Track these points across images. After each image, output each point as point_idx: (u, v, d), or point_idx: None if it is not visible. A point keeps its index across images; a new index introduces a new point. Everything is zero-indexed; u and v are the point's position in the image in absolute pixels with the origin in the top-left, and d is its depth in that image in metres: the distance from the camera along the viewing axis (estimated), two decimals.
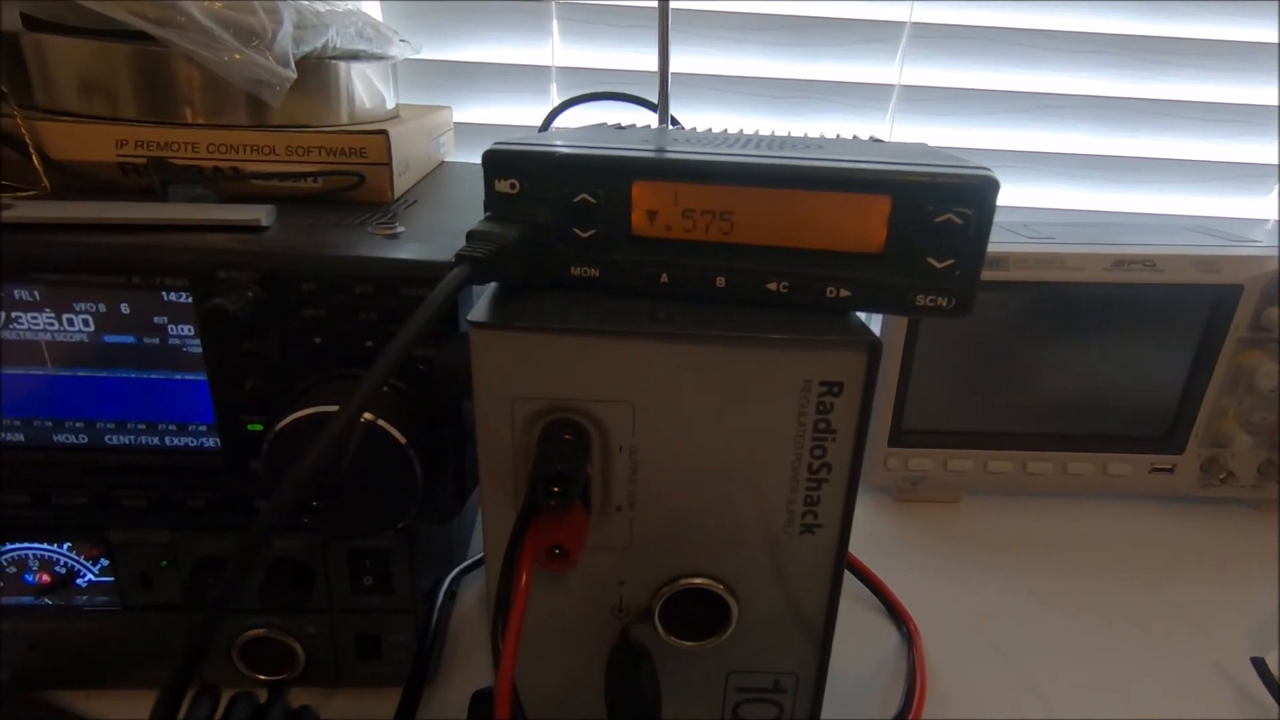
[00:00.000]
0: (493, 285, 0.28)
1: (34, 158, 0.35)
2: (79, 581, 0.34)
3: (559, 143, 0.27)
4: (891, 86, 0.67)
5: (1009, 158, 0.69)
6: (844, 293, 0.26)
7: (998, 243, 0.50)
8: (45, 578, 0.34)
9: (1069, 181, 0.71)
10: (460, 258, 0.24)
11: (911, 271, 0.25)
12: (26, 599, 0.35)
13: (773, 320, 0.26)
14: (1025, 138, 0.69)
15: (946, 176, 0.24)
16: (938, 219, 0.24)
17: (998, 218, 0.32)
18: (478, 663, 0.40)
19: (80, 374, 0.30)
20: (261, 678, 0.36)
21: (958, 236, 0.24)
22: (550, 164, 0.26)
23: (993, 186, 0.24)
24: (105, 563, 0.34)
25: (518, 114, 0.67)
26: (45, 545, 0.34)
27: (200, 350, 0.30)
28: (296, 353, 0.30)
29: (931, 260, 0.25)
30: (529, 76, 0.66)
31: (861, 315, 0.28)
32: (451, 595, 0.42)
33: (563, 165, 0.26)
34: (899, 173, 0.24)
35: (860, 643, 0.42)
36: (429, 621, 0.37)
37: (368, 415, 0.27)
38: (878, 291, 0.26)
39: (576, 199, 0.26)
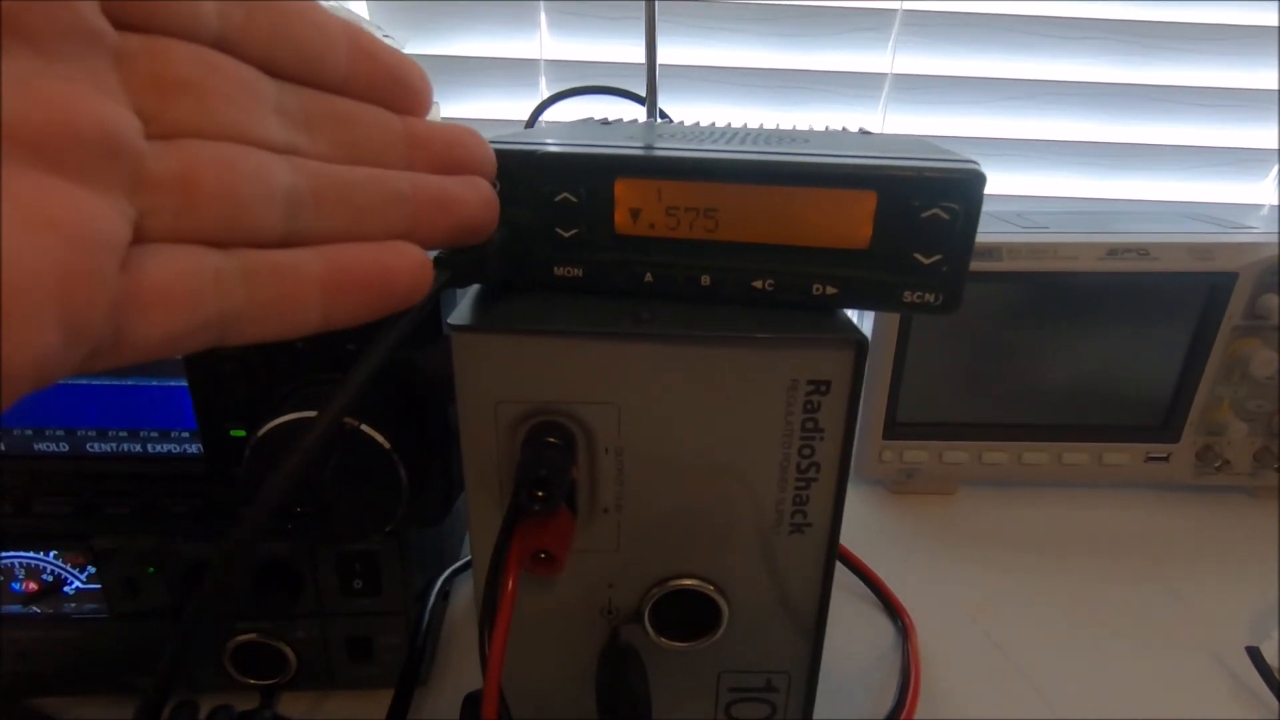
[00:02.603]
0: (475, 287, 0.28)
1: None
2: (66, 589, 0.34)
3: (539, 141, 0.26)
4: (884, 75, 0.66)
5: (1003, 145, 0.69)
6: (830, 290, 0.25)
7: (991, 233, 0.49)
8: (32, 586, 0.34)
9: (1064, 169, 0.70)
10: (439, 261, 0.24)
11: (898, 267, 0.25)
12: (14, 607, 0.34)
13: (759, 319, 0.25)
14: (1019, 125, 0.68)
15: (932, 171, 0.24)
16: (924, 214, 0.24)
17: (992, 207, 0.31)
18: (471, 663, 0.39)
19: (59, 381, 0.30)
20: (253, 682, 0.36)
21: (945, 231, 0.24)
22: (530, 163, 0.25)
23: (979, 180, 0.23)
24: (92, 570, 0.34)
25: (507, 108, 0.66)
26: (31, 553, 0.33)
27: (180, 356, 0.29)
28: (277, 357, 0.29)
29: (918, 256, 0.24)
30: (517, 70, 0.65)
31: (851, 312, 0.28)
32: (445, 595, 0.42)
33: (543, 164, 0.25)
34: (884, 168, 0.24)
35: (855, 637, 0.42)
36: (420, 623, 0.37)
37: (350, 420, 0.27)
38: (865, 288, 0.25)
39: (558, 198, 0.26)
